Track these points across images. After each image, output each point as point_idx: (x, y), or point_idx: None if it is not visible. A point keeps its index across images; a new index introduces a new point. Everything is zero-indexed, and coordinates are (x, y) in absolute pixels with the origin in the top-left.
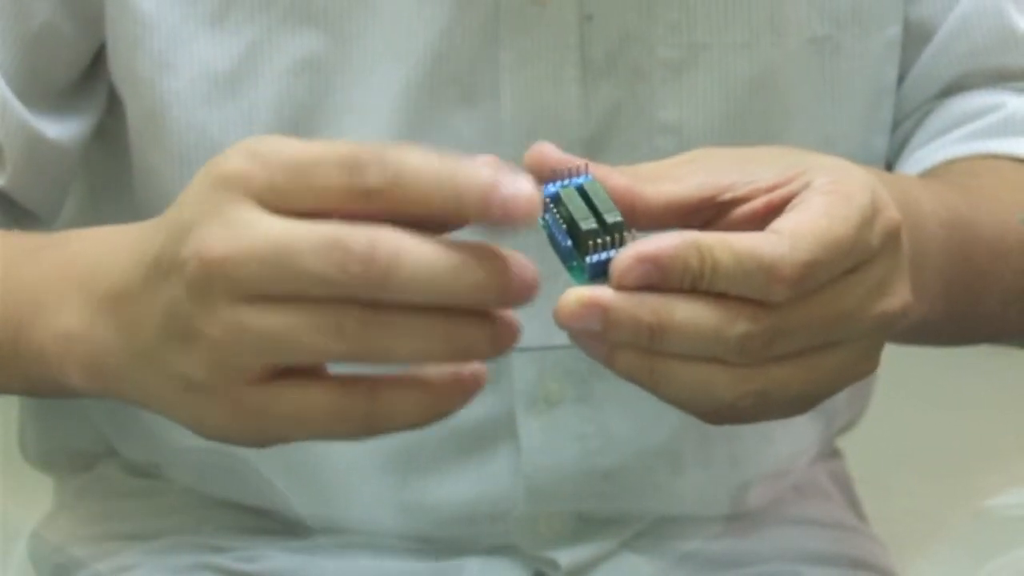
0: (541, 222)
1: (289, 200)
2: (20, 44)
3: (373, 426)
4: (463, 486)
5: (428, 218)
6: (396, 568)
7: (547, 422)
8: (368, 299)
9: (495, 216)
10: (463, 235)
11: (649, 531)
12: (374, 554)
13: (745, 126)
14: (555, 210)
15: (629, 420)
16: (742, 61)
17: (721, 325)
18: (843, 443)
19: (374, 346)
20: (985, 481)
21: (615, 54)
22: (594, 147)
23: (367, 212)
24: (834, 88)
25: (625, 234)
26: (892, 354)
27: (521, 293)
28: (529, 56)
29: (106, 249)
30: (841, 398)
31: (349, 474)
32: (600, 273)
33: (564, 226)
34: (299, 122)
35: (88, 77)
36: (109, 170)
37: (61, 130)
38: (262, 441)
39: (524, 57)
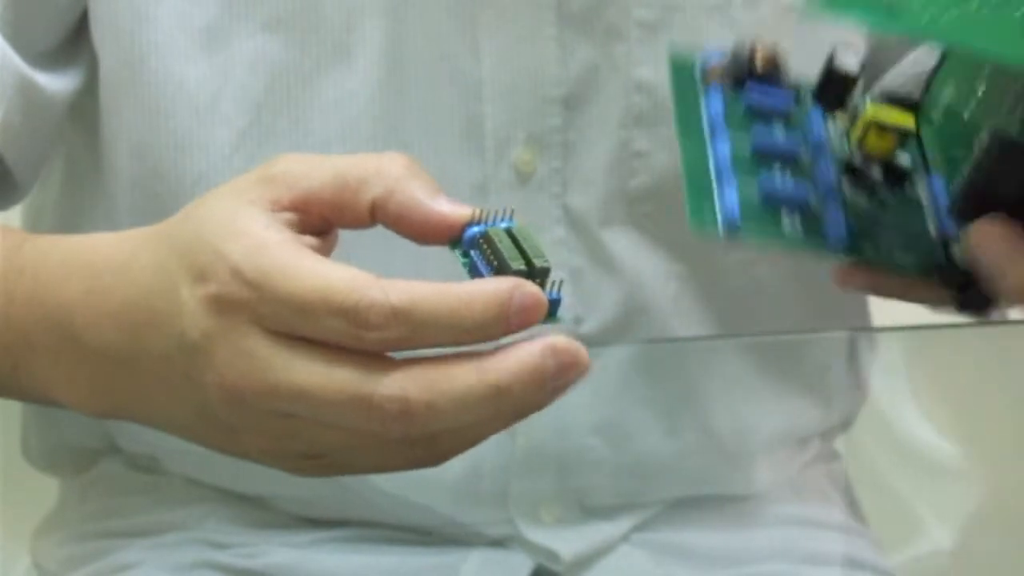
0: (463, 259)
1: (297, 332)
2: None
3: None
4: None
5: None
6: (397, 562)
7: None
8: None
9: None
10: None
11: (651, 523)
12: (375, 548)
13: None
14: (485, 247)
15: (615, 375)
16: (715, 23)
17: None
18: (842, 444)
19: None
20: (985, 482)
21: (591, 13)
22: (572, 105)
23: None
24: (806, 53)
25: (552, 280)
26: (892, 354)
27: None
28: (506, 15)
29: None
30: (839, 382)
31: None
32: None
33: (495, 264)
34: (274, 80)
35: (75, 34)
36: (88, 150)
37: (52, 82)
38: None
39: (502, 16)
